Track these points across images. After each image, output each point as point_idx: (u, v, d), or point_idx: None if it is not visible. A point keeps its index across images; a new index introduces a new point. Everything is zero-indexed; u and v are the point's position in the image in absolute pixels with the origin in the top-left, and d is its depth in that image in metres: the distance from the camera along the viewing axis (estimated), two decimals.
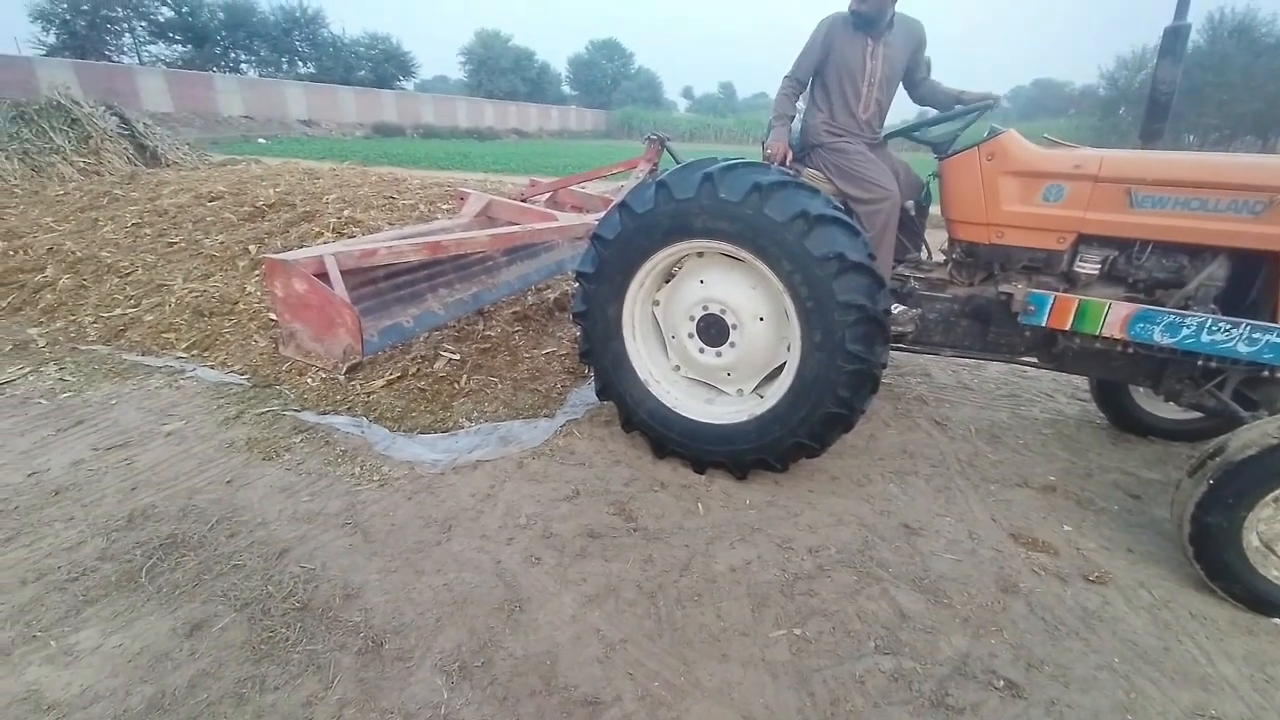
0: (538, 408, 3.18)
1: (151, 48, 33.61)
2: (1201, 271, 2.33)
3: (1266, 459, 1.85)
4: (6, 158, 8.25)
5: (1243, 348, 2.17)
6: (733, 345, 2.60)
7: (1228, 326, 2.18)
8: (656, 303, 2.80)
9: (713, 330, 2.62)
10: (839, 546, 2.26)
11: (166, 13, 33.29)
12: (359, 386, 3.24)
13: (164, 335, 3.74)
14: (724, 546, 2.24)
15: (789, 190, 2.31)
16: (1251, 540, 1.94)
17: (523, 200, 4.87)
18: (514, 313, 4.15)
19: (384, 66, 42.13)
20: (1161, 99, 2.62)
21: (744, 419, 2.57)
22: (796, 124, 2.95)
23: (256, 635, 1.77)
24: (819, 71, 2.79)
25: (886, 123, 2.97)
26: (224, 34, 35.74)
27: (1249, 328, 2.15)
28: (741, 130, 38.31)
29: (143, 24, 32.84)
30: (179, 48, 34.28)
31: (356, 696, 1.61)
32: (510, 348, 3.77)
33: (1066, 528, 2.45)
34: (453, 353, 3.57)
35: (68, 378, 3.27)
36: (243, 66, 36.86)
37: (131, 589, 1.92)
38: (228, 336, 3.71)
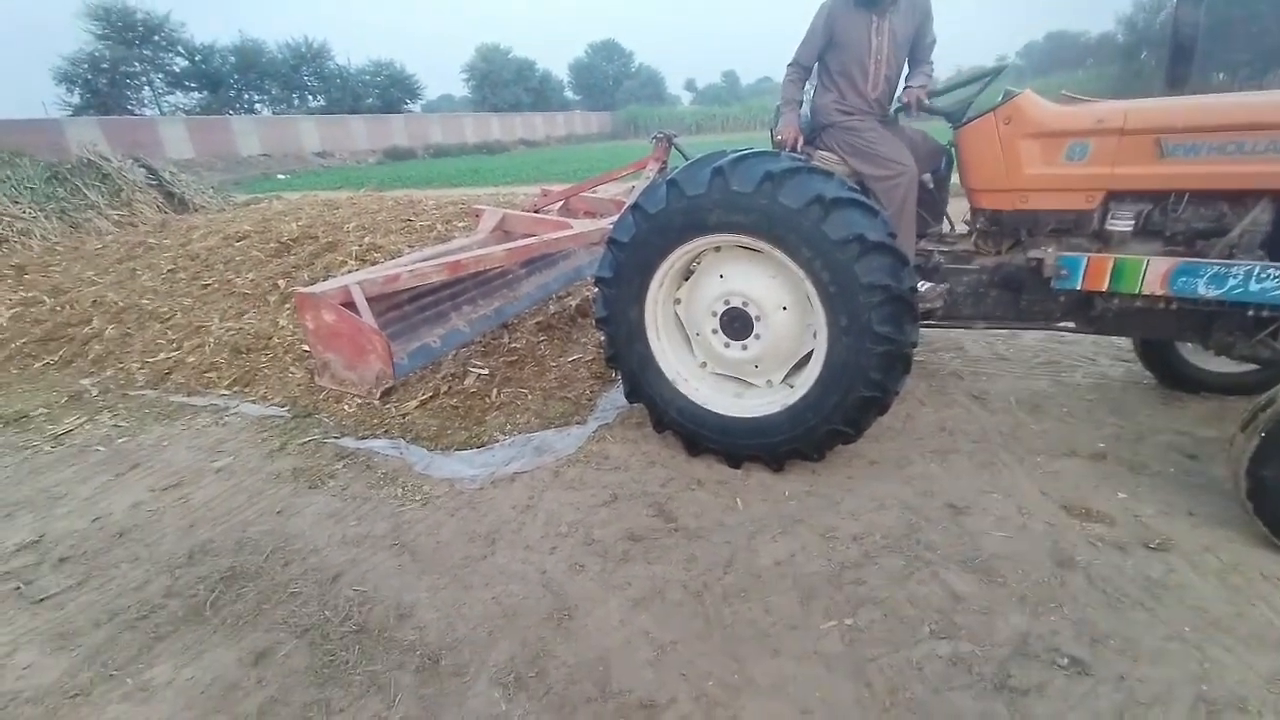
0: (569, 415, 3.21)
1: (170, 98, 34.86)
2: (1245, 218, 2.23)
3: None
4: (46, 217, 8.65)
5: None
6: (758, 337, 2.58)
7: (1278, 272, 2.09)
8: (678, 301, 2.78)
9: (736, 324, 2.60)
10: (884, 532, 2.23)
11: (181, 63, 34.49)
12: (394, 409, 3.31)
13: (206, 375, 3.88)
14: (766, 540, 2.23)
15: (802, 176, 2.27)
16: None
17: (535, 211, 4.91)
18: (537, 323, 4.19)
19: (390, 92, 42.90)
20: (1185, 42, 2.52)
21: (776, 410, 2.54)
22: (805, 108, 2.91)
23: (318, 660, 1.82)
24: (825, 54, 2.75)
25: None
26: (236, 77, 36.84)
27: None
28: (748, 117, 37.76)
29: (160, 76, 34.08)
30: (195, 95, 35.47)
31: (419, 714, 1.65)
32: (537, 358, 3.81)
33: (1121, 495, 2.37)
34: (481, 368, 3.62)
35: (121, 423, 3.42)
36: (257, 106, 37.96)
37: (198, 622, 2.00)
38: (266, 371, 3.83)
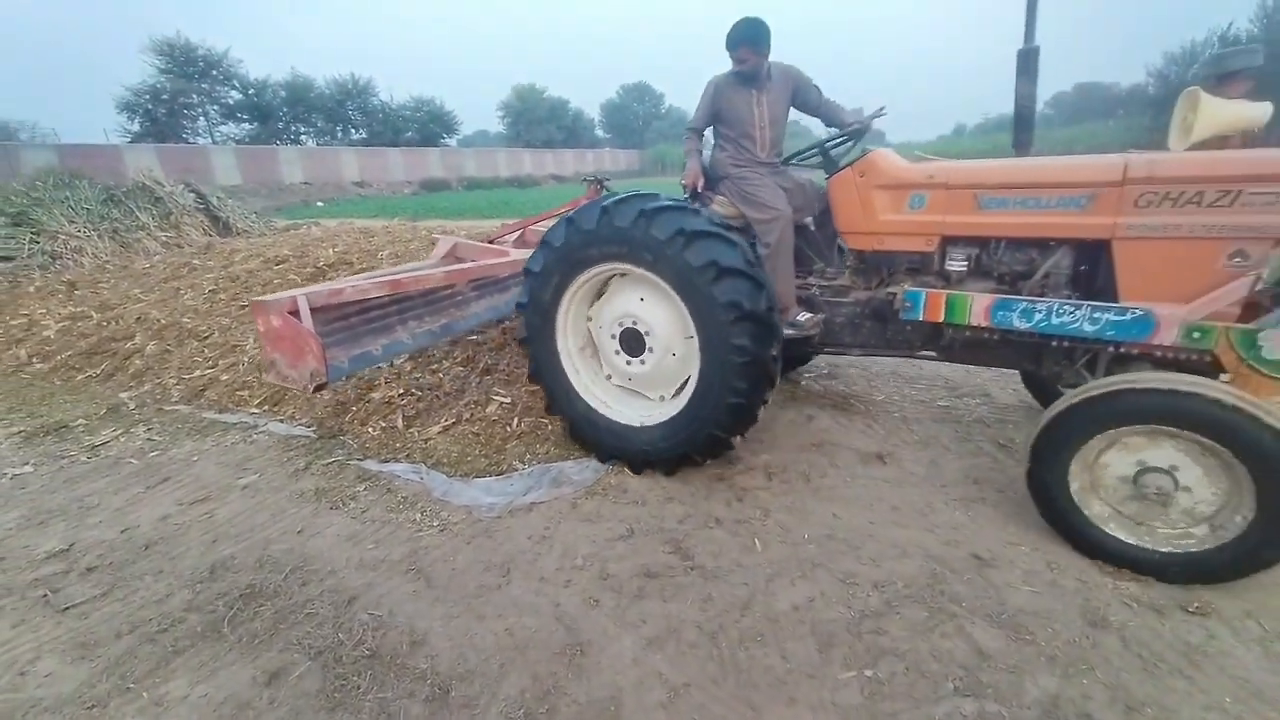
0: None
1: (222, 128, 36.73)
2: (1048, 261, 2.58)
3: (1065, 421, 2.16)
4: (99, 236, 9.10)
5: (1087, 327, 2.35)
6: (651, 351, 2.88)
7: (1072, 309, 2.37)
8: (590, 319, 3.07)
9: (632, 342, 2.90)
10: (906, 580, 2.17)
11: (235, 96, 36.43)
12: (416, 434, 3.36)
13: (239, 393, 3.99)
14: (784, 584, 2.19)
15: (669, 213, 2.60)
16: (1074, 486, 2.23)
17: (491, 241, 5.37)
18: None
19: (429, 126, 44.61)
20: (1024, 112, 2.88)
21: (667, 419, 2.84)
22: (708, 154, 3.28)
23: (330, 683, 1.82)
24: (717, 121, 3.12)
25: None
26: (285, 110, 38.75)
27: (1090, 309, 2.34)
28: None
29: (215, 107, 35.99)
30: (246, 126, 37.31)
31: None
32: None
33: None
34: (504, 396, 3.66)
35: (155, 437, 3.52)
36: (302, 137, 39.75)
37: (215, 639, 2.01)
38: (294, 392, 3.92)
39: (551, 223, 5.61)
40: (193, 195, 10.62)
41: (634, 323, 2.87)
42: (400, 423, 3.48)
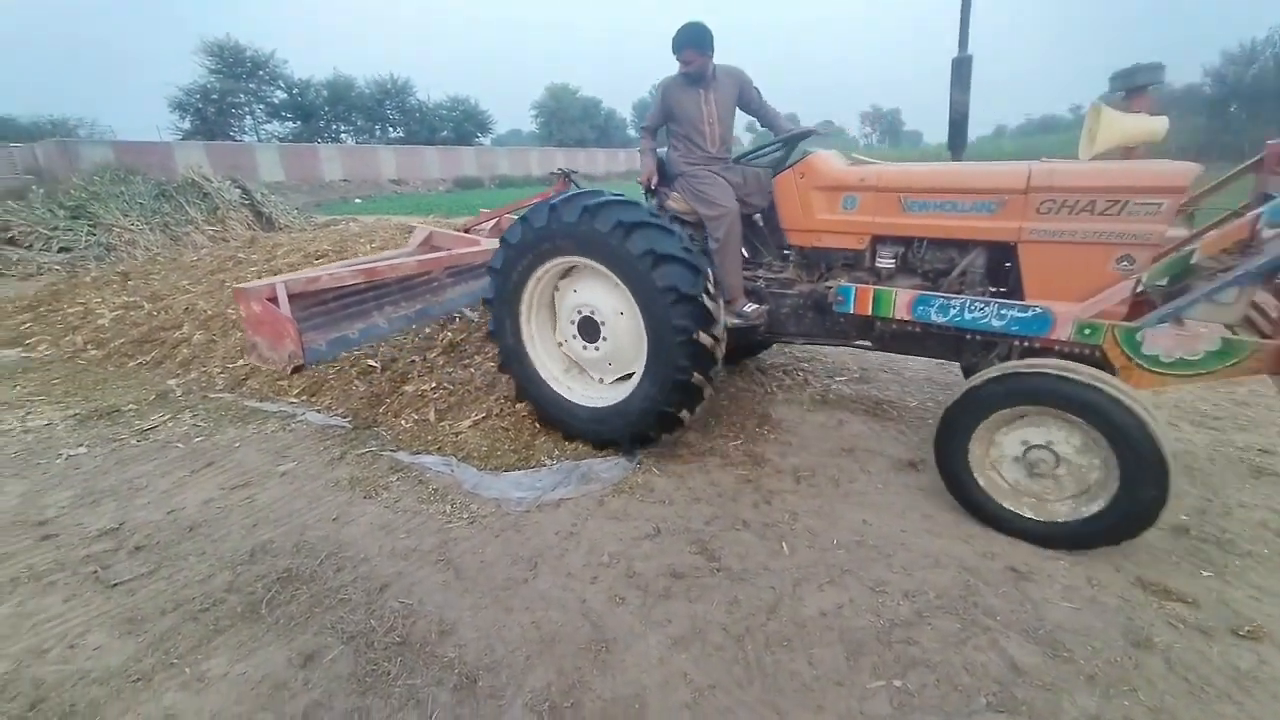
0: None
1: (267, 126, 37.91)
2: (964, 260, 2.77)
3: (963, 404, 2.37)
4: (151, 230, 9.50)
5: (995, 322, 2.55)
6: (605, 339, 3.08)
7: (982, 306, 2.56)
8: (552, 309, 3.28)
9: (589, 329, 3.10)
10: (938, 591, 2.12)
11: (280, 95, 37.55)
12: (448, 427, 3.42)
13: (279, 383, 4.12)
14: (812, 589, 2.16)
15: (610, 207, 2.79)
16: (972, 461, 2.43)
17: (466, 230, 5.70)
18: None
19: (464, 125, 45.30)
20: (958, 119, 3.16)
21: (623, 399, 3.01)
22: (664, 152, 3.41)
23: (362, 668, 1.87)
24: (670, 119, 3.24)
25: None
26: (327, 109, 39.79)
27: (997, 306, 2.54)
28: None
29: (260, 106, 37.16)
30: (290, 124, 38.43)
31: None
32: None
33: (1206, 574, 2.18)
34: None
35: (200, 423, 3.65)
36: (342, 136, 40.77)
37: (254, 620, 2.08)
38: (332, 382, 4.03)
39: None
40: (238, 191, 11.01)
41: (590, 311, 3.07)
42: (432, 416, 3.54)
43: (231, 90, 34.67)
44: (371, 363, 4.11)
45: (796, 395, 3.84)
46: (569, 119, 51.66)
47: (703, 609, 2.08)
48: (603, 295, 3.02)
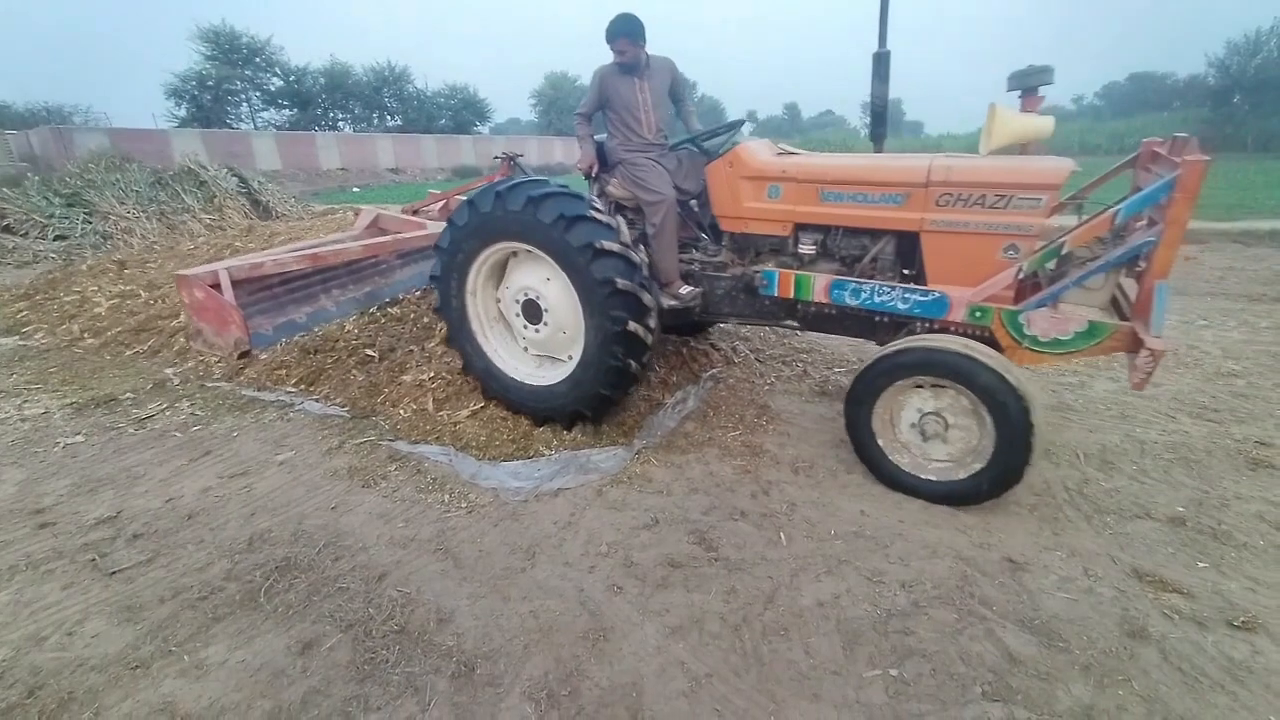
0: (614, 436, 3.22)
1: (264, 114, 37.54)
2: (875, 247, 2.95)
3: (868, 374, 2.62)
4: (148, 218, 9.43)
5: (900, 305, 2.78)
6: (546, 323, 3.21)
7: (889, 289, 2.79)
8: (497, 290, 3.40)
9: (532, 311, 3.23)
10: (935, 581, 2.13)
11: (277, 83, 37.17)
12: (446, 417, 3.41)
13: (276, 372, 4.10)
14: (810, 579, 2.17)
15: (554, 199, 2.92)
16: (875, 426, 2.68)
17: (415, 212, 5.76)
18: None
19: (462, 114, 44.89)
20: (879, 110, 3.48)
21: (561, 379, 3.17)
22: (604, 139, 3.51)
23: (360, 656, 1.87)
24: (607, 106, 3.35)
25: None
26: (324, 97, 39.40)
27: (902, 290, 2.77)
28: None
29: (257, 94, 36.80)
30: (287, 112, 38.09)
31: None
32: None
33: (1201, 565, 2.19)
34: None
35: (198, 412, 3.65)
36: (340, 124, 40.41)
37: (252, 608, 2.09)
38: (330, 372, 4.02)
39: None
40: (235, 179, 10.92)
41: (534, 295, 3.19)
42: (430, 405, 3.53)
43: (228, 77, 34.31)
44: (370, 352, 4.10)
45: (795, 386, 3.84)
46: (568, 108, 51.21)
47: (700, 598, 2.08)
48: (544, 280, 3.14)
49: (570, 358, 3.20)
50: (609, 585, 2.16)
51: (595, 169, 3.45)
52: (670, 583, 2.17)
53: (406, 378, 3.80)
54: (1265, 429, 3.16)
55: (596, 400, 3.09)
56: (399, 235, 4.88)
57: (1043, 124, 2.76)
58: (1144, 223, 2.56)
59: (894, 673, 1.77)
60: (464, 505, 2.66)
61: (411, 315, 4.52)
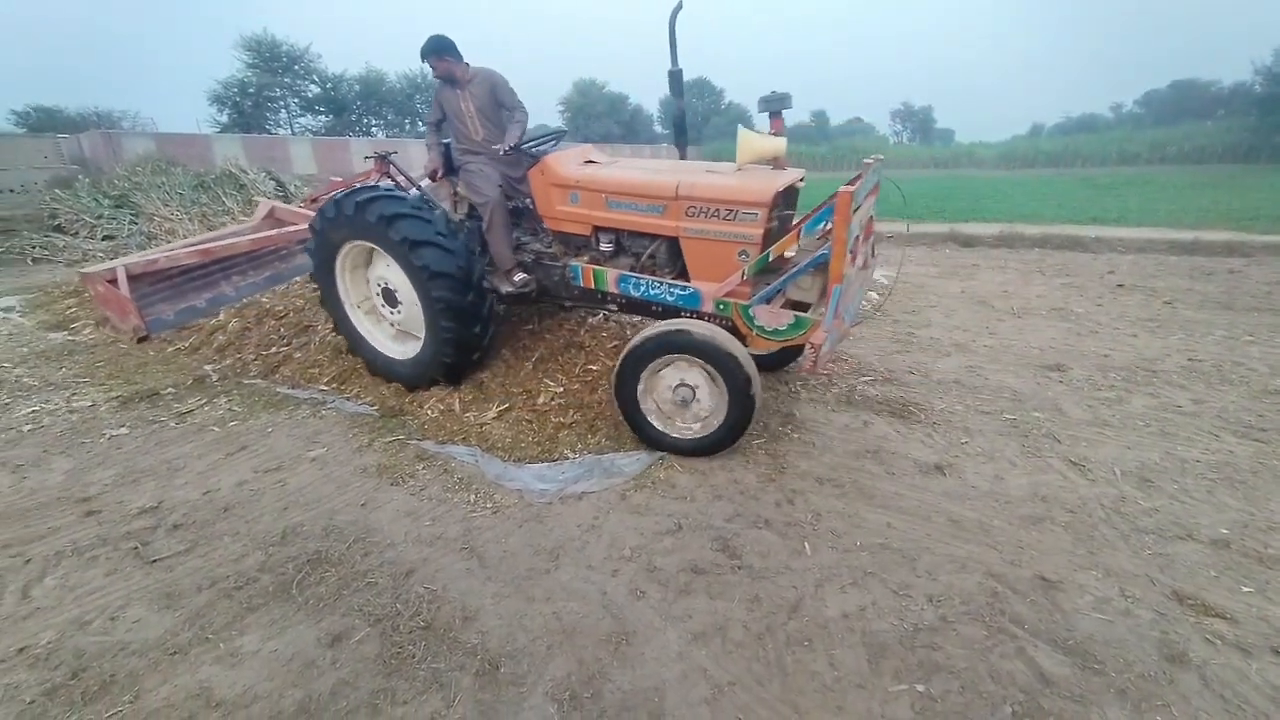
0: (638, 441, 3.23)
1: (301, 120, 38.59)
2: (651, 247, 3.38)
3: (634, 352, 2.97)
4: (190, 219, 9.75)
5: (668, 298, 3.24)
6: (401, 307, 3.70)
7: (660, 284, 3.26)
8: (366, 280, 3.89)
9: (390, 296, 3.73)
10: (963, 597, 2.09)
11: (314, 89, 38.22)
12: (472, 418, 3.46)
13: (310, 370, 4.21)
14: (834, 590, 2.14)
15: (378, 201, 3.43)
16: (640, 392, 3.05)
17: (314, 200, 6.05)
18: (613, 347, 4.27)
19: None
20: (679, 123, 3.81)
21: (417, 353, 3.69)
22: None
23: (388, 650, 1.91)
24: (444, 117, 3.83)
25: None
26: (359, 104, 40.40)
27: (668, 285, 3.24)
28: (835, 157, 37.16)
29: (295, 100, 37.86)
30: (323, 118, 39.12)
31: (475, 717, 1.69)
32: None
33: (1246, 589, 2.11)
34: (555, 386, 3.72)
35: (235, 408, 3.76)
36: (373, 130, 41.36)
37: (285, 599, 2.14)
38: (360, 372, 4.10)
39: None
40: (273, 183, 11.24)
41: (389, 283, 3.68)
42: (457, 406, 3.59)
43: (268, 84, 35.37)
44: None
45: (821, 395, 3.80)
46: (595, 114, 51.68)
47: (723, 605, 2.08)
48: (393, 270, 3.59)
49: (420, 334, 3.67)
50: (631, 589, 2.16)
51: (439, 173, 3.95)
52: (693, 589, 2.16)
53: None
54: None
55: (443, 368, 3.63)
56: (288, 229, 5.45)
57: (777, 144, 3.17)
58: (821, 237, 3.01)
59: (920, 688, 1.74)
60: (489, 505, 2.69)
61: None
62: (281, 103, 37.35)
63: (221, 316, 5.15)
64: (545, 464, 3.04)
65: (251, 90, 35.08)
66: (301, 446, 3.26)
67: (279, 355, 4.44)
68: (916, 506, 2.63)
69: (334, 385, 4.05)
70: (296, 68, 37.87)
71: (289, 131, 36.65)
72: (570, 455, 3.11)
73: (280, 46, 36.96)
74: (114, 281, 4.39)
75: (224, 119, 34.84)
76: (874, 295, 6.01)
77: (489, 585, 2.20)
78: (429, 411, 3.58)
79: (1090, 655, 1.83)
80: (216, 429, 3.49)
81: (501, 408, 3.54)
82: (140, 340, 4.39)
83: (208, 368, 4.43)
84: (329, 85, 38.63)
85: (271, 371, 4.29)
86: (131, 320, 4.41)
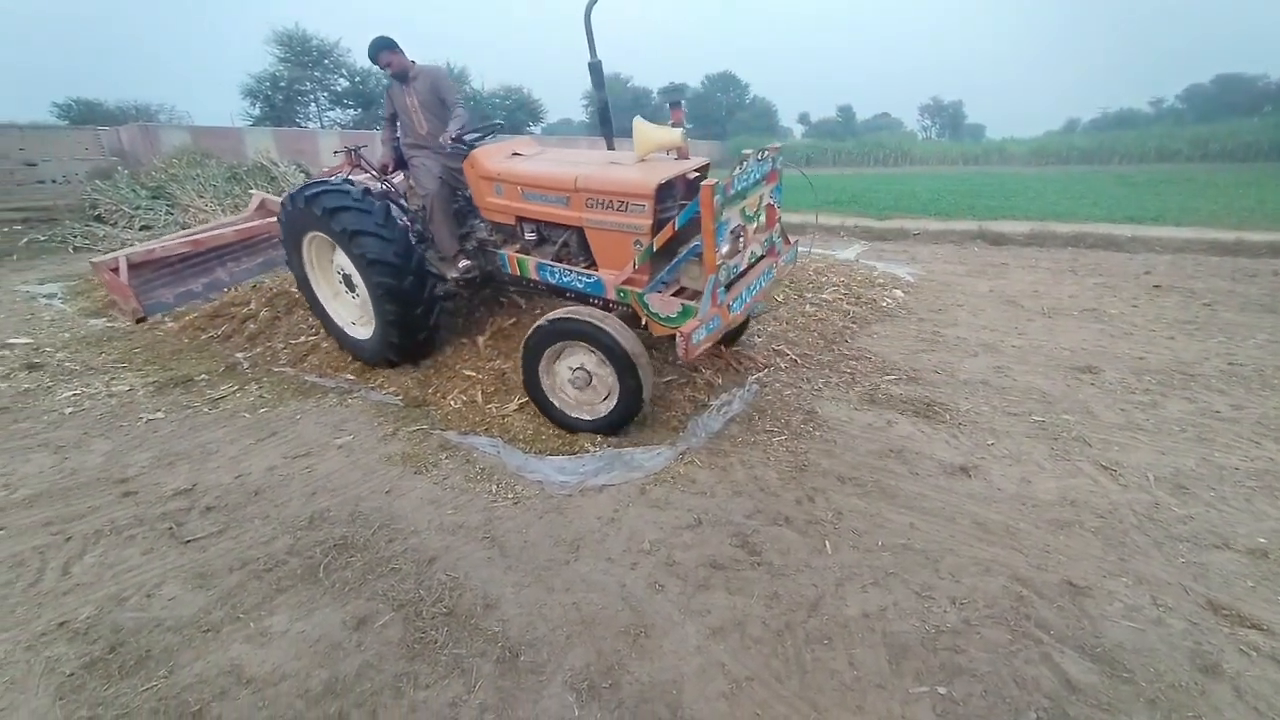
0: (660, 435, 3.24)
1: (330, 113, 39.19)
2: (563, 237, 3.52)
3: (534, 335, 3.14)
4: (223, 210, 9.98)
5: (578, 284, 3.41)
6: (356, 291, 4.00)
7: (570, 271, 3.43)
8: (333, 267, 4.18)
9: (349, 282, 4.04)
10: (987, 600, 2.06)
11: (343, 83, 38.77)
12: (494, 410, 3.50)
13: (336, 359, 4.29)
14: (855, 589, 2.13)
15: (324, 195, 3.69)
16: (545, 382, 3.26)
17: None
18: None
19: (516, 114, 45.76)
20: (604, 114, 4.10)
21: (370, 334, 3.99)
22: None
23: (411, 635, 1.95)
24: (398, 113, 4.04)
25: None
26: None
27: (576, 273, 3.40)
28: (861, 152, 36.50)
29: (324, 94, 38.45)
30: (351, 111, 39.68)
31: (495, 703, 1.71)
32: None
33: None
34: None
35: (265, 395, 3.85)
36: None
37: (312, 582, 2.19)
38: (383, 366, 4.16)
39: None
40: (303, 175, 11.44)
41: (346, 270, 3.95)
42: (479, 398, 3.63)
43: (298, 78, 35.96)
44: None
45: (843, 393, 3.77)
46: (619, 108, 51.55)
47: (742, 601, 2.08)
48: (345, 258, 3.82)
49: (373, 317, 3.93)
50: (650, 583, 2.17)
51: (390, 167, 4.18)
52: (712, 584, 2.16)
53: (457, 370, 3.91)
54: None
55: (392, 348, 3.88)
56: (269, 220, 5.83)
57: (673, 134, 3.25)
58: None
59: (942, 691, 1.72)
60: (510, 496, 2.72)
61: (464, 309, 4.66)
62: (311, 96, 37.96)
63: (252, 305, 5.27)
64: (566, 457, 3.06)
65: (283, 84, 35.70)
66: (329, 434, 3.33)
67: (307, 344, 4.54)
68: (940, 508, 2.59)
69: (359, 375, 4.12)
70: (326, 61, 38.43)
71: (318, 125, 37.25)
72: (590, 449, 3.13)
73: (310, 41, 37.52)
74: (116, 270, 4.87)
75: (256, 112, 35.52)
76: (899, 294, 5.93)
77: (510, 574, 2.23)
78: (452, 402, 3.63)
79: (1119, 663, 1.80)
80: (247, 415, 3.58)
81: (523, 400, 3.56)
82: (138, 321, 4.93)
83: (239, 355, 4.54)
84: (357, 79, 39.15)
85: (300, 360, 4.38)
86: (131, 304, 4.94)
